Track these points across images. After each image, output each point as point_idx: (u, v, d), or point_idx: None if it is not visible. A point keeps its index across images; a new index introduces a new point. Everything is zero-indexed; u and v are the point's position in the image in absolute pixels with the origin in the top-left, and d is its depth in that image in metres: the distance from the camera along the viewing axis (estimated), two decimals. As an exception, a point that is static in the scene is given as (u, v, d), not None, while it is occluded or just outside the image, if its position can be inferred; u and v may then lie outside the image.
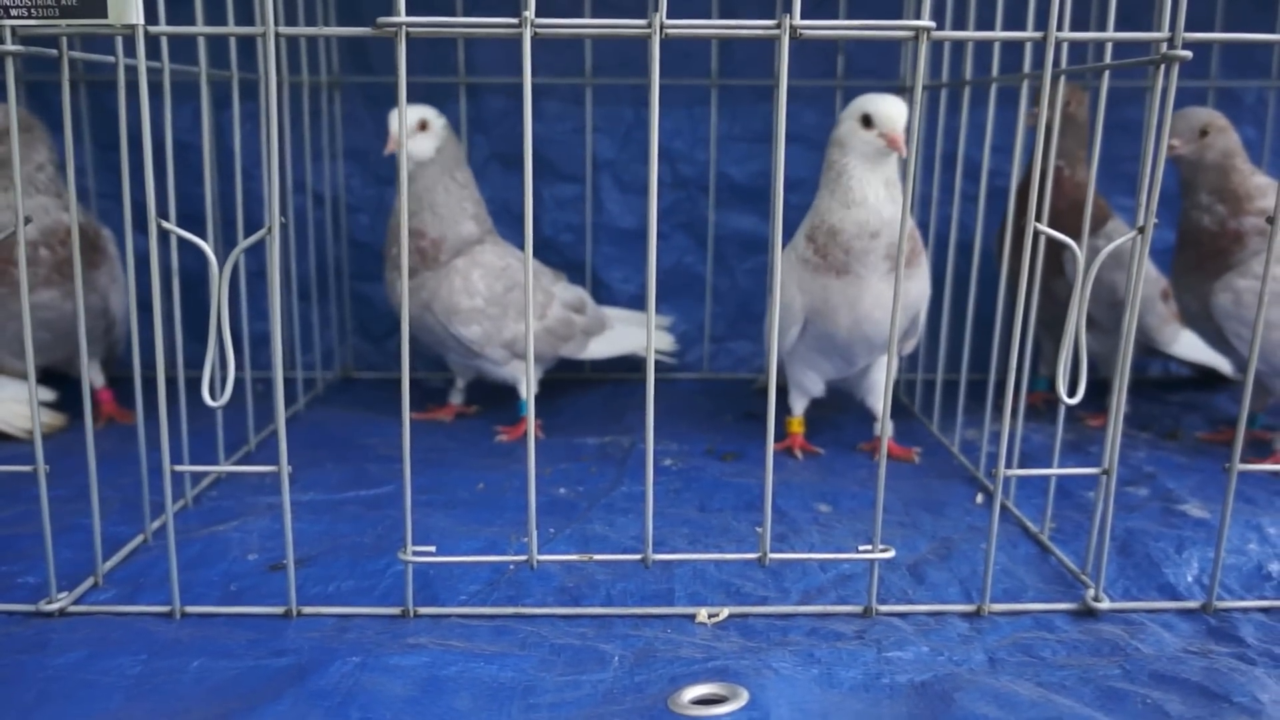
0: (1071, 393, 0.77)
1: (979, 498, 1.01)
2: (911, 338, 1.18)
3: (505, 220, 1.33)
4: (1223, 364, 1.39)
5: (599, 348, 1.33)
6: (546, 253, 1.43)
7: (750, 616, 0.76)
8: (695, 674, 0.66)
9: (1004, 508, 0.97)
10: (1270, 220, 0.73)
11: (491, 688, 0.65)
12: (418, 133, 1.16)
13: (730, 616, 0.76)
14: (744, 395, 1.42)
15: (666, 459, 1.14)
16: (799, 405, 1.17)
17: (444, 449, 1.17)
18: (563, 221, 1.45)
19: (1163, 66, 0.70)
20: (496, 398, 1.32)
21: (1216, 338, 1.17)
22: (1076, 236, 1.26)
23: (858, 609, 0.77)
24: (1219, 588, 0.79)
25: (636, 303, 1.45)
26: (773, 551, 0.76)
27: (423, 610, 0.76)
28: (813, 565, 0.83)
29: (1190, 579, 0.83)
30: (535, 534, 0.75)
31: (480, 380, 1.29)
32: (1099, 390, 1.34)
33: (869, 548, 0.75)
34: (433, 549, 0.75)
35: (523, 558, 0.75)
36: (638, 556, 0.75)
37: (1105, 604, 0.77)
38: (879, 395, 1.12)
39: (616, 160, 1.44)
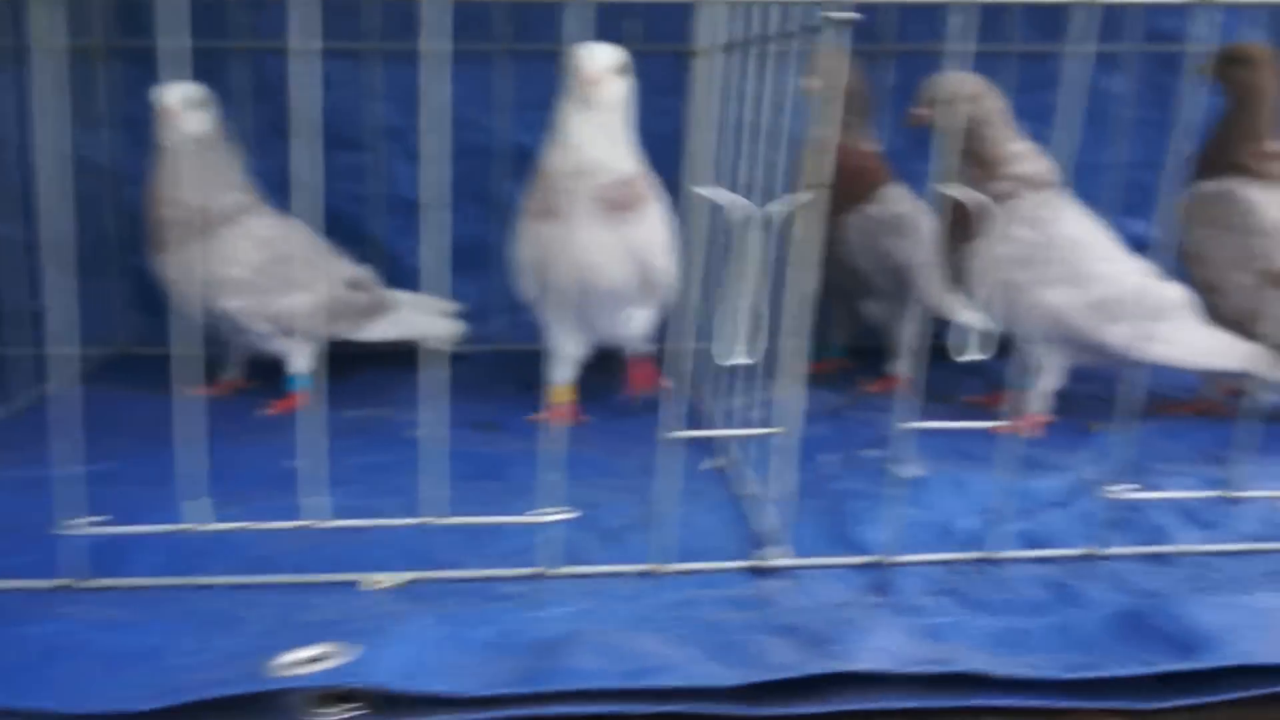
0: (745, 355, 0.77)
1: (706, 463, 1.02)
2: (653, 290, 1.14)
3: (288, 191, 1.30)
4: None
5: (379, 330, 1.30)
6: (333, 225, 1.39)
7: (423, 582, 0.76)
8: (321, 636, 0.65)
9: (729, 471, 0.98)
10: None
11: (107, 655, 0.63)
12: (188, 110, 1.13)
13: (410, 583, 0.76)
14: (536, 367, 1.41)
15: (413, 430, 1.12)
16: (560, 371, 1.17)
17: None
18: (349, 192, 1.43)
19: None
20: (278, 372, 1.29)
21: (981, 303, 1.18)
22: (854, 204, 1.29)
23: (529, 571, 0.76)
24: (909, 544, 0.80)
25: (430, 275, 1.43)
26: (455, 515, 0.75)
27: (92, 583, 0.74)
28: (518, 529, 0.81)
29: (884, 536, 0.84)
30: (209, 502, 0.73)
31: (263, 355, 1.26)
32: (883, 357, 1.38)
33: (550, 510, 0.75)
34: (105, 518, 0.74)
35: (201, 527, 0.74)
36: (298, 524, 0.74)
37: (778, 561, 0.78)
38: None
39: (405, 128, 1.42)
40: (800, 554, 0.80)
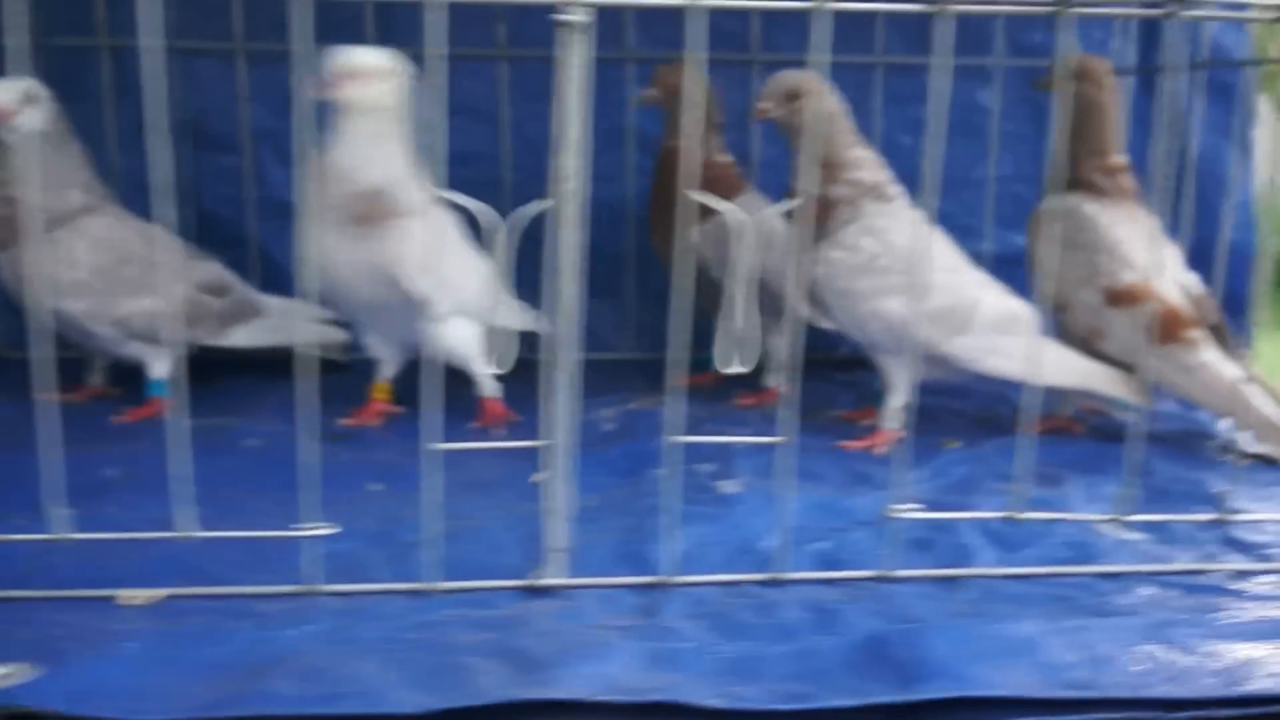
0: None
1: (535, 476, 0.99)
2: (420, 306, 1.08)
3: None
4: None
5: (245, 336, 1.28)
6: (209, 228, 1.38)
7: (184, 597, 0.74)
8: (28, 654, 0.63)
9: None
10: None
11: None
12: (25, 107, 1.11)
13: (168, 598, 0.74)
14: (414, 377, 1.39)
15: (253, 439, 1.10)
16: (378, 371, 1.17)
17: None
18: (222, 195, 1.41)
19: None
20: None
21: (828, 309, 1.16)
22: (707, 214, 1.28)
23: (297, 589, 0.74)
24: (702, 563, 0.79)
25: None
26: (205, 530, 0.73)
27: None
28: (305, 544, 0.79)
29: (680, 554, 0.82)
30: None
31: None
32: (758, 370, 1.35)
33: (312, 525, 0.73)
34: None
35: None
36: (51, 537, 0.72)
37: (551, 580, 0.76)
38: (460, 360, 1.11)
39: (277, 129, 1.40)
40: (590, 572, 0.78)
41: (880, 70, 1.44)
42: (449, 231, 1.09)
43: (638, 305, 1.52)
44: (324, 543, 0.79)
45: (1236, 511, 0.91)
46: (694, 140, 1.21)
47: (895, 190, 1.12)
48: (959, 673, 0.61)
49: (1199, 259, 1.22)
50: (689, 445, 1.06)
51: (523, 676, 0.60)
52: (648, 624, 0.70)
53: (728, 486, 0.96)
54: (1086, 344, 1.15)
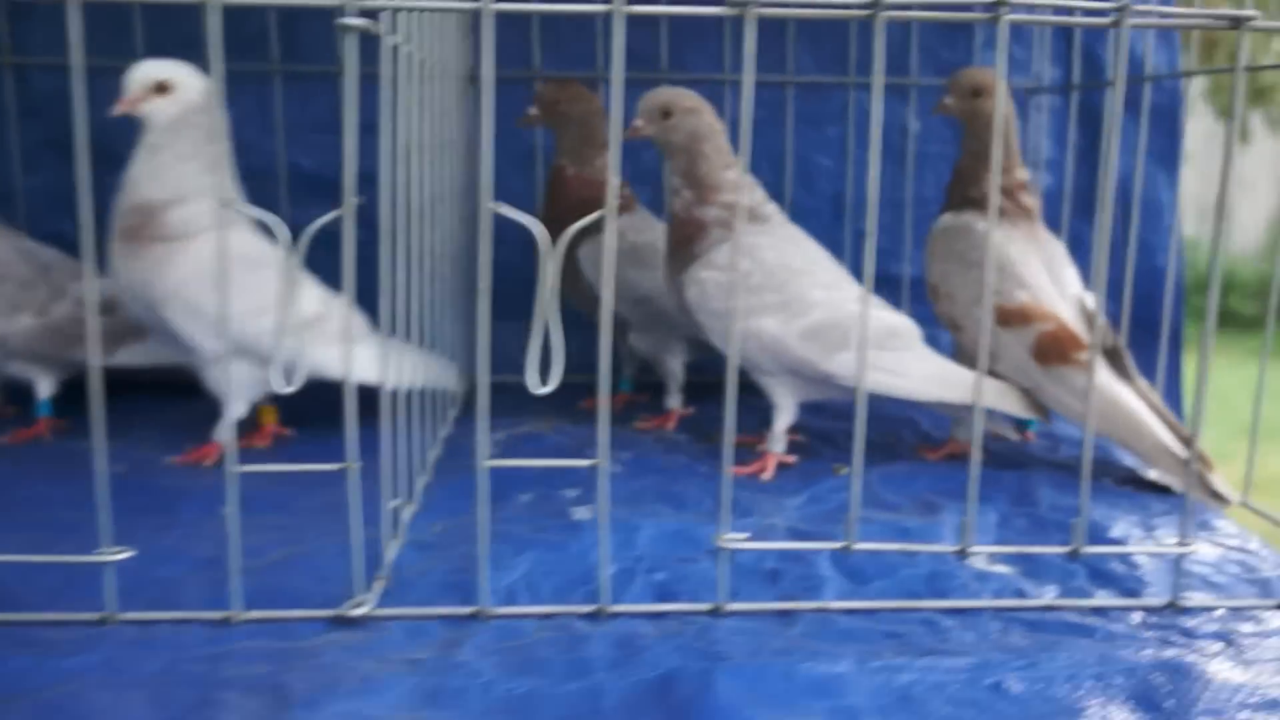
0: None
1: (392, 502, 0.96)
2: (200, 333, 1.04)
3: (65, 211, 1.26)
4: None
5: (130, 356, 1.24)
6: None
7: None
8: None
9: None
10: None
11: None
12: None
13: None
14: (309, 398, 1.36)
15: (121, 464, 1.07)
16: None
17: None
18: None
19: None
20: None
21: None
22: (586, 234, 1.24)
23: (94, 616, 0.71)
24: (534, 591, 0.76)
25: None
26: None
27: None
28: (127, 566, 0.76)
29: (511, 583, 0.79)
30: None
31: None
32: (657, 392, 1.32)
33: (113, 549, 0.70)
34: None
35: None
36: None
37: (357, 611, 0.72)
38: (228, 397, 1.04)
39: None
40: (412, 602, 0.75)
41: (792, 90, 1.41)
42: (236, 260, 0.96)
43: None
44: (149, 568, 0.77)
45: (1098, 544, 0.87)
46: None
47: (770, 210, 1.09)
48: (736, 717, 0.57)
49: (1120, 281, 1.19)
50: (557, 472, 1.04)
51: (270, 715, 0.57)
52: (442, 658, 0.66)
53: (581, 513, 0.93)
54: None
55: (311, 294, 1.09)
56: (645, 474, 1.07)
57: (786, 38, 1.40)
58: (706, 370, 1.25)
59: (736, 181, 1.06)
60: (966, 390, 1.04)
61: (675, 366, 1.26)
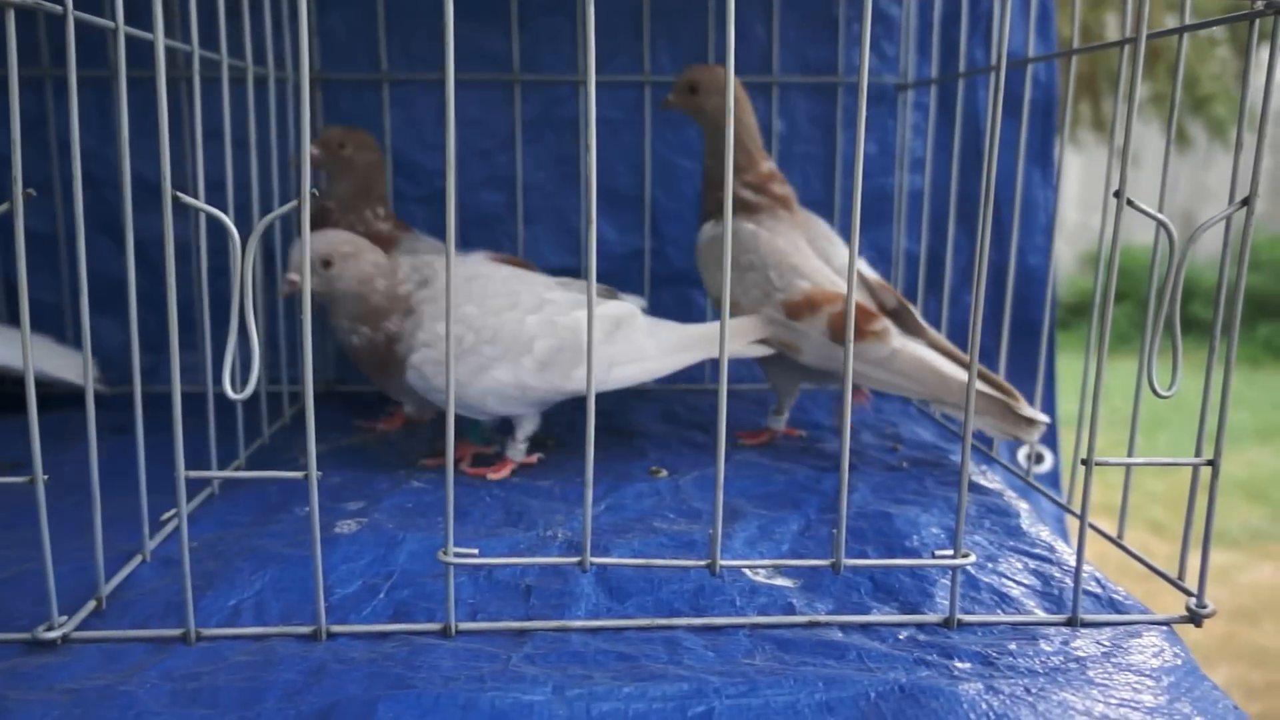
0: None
1: (166, 514, 0.91)
2: None
3: None
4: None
5: None
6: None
7: None
8: None
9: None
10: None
11: None
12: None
13: None
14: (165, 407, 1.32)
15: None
16: None
17: None
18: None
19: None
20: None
21: None
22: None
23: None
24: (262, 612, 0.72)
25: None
26: None
27: None
28: None
29: (240, 602, 0.74)
30: None
31: None
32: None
33: None
34: None
35: None
36: None
37: (62, 633, 0.68)
38: None
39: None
40: (133, 624, 0.70)
41: (649, 89, 1.37)
42: None
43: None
44: None
45: (894, 552, 0.82)
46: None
47: (435, 270, 1.03)
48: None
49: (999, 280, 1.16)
50: (343, 486, 1.00)
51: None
52: (120, 686, 0.62)
53: (346, 526, 0.88)
54: (787, 361, 1.08)
55: None
56: (440, 488, 1.03)
57: (643, 37, 1.36)
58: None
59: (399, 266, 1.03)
60: (707, 346, 1.05)
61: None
